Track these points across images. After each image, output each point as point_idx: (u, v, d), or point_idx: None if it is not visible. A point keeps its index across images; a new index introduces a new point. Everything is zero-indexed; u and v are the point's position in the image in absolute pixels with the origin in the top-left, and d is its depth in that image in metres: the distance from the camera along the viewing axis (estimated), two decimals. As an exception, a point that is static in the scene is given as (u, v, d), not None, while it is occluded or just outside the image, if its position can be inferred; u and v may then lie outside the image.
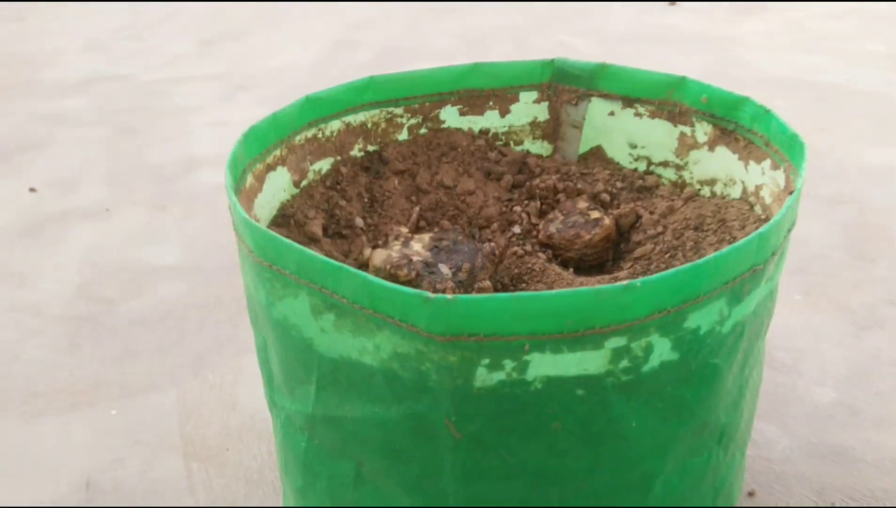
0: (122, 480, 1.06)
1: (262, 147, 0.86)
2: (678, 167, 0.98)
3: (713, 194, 0.94)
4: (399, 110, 1.02)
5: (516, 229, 0.96)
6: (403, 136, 1.03)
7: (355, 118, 0.99)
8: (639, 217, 0.95)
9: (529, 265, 0.88)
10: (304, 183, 0.95)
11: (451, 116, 1.04)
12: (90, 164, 2.03)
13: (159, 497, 1.03)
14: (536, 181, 1.00)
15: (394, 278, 0.80)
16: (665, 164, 0.99)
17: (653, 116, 0.98)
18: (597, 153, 1.05)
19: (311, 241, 0.89)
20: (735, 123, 0.89)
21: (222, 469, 1.07)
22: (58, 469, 1.08)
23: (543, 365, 0.60)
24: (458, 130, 1.05)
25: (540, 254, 0.91)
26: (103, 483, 1.06)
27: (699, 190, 0.96)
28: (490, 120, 1.06)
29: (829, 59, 2.60)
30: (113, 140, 2.18)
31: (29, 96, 2.52)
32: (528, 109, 1.06)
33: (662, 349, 0.62)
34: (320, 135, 0.96)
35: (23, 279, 1.53)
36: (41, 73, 2.74)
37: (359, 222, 0.94)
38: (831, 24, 2.99)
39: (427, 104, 1.03)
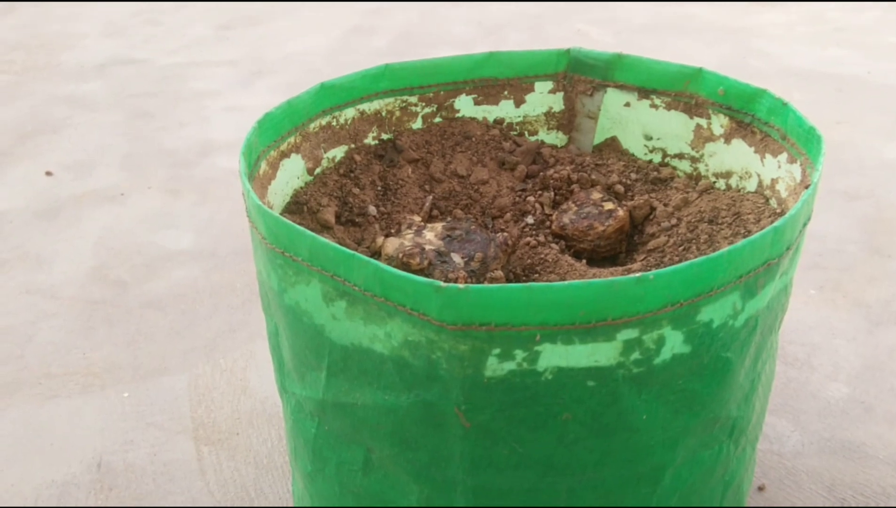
0: (134, 462, 1.07)
1: (276, 134, 0.86)
2: (693, 159, 0.97)
3: (728, 187, 0.93)
4: (414, 99, 1.02)
5: (529, 220, 0.96)
6: (418, 124, 1.03)
7: (370, 106, 0.99)
8: (653, 209, 0.94)
9: (542, 256, 0.88)
10: (317, 170, 0.95)
11: (465, 106, 1.04)
12: (106, 148, 2.04)
13: (170, 480, 1.04)
14: (550, 172, 1.00)
15: (406, 266, 0.80)
16: (680, 156, 0.99)
17: (669, 107, 0.98)
18: (612, 144, 1.04)
19: (323, 228, 0.89)
20: (752, 115, 0.89)
21: (232, 452, 1.08)
22: (70, 449, 1.09)
23: (554, 356, 0.60)
24: (473, 119, 1.05)
25: (553, 245, 0.91)
26: (115, 464, 1.07)
27: (714, 183, 0.95)
28: (505, 110, 1.05)
29: (850, 52, 2.58)
30: (129, 124, 2.18)
31: (47, 79, 2.53)
32: (543, 99, 1.05)
33: (674, 342, 0.62)
34: (335, 122, 0.96)
35: (38, 262, 1.54)
36: (59, 56, 2.75)
37: (372, 210, 0.94)
38: (852, 16, 2.96)
39: (442, 93, 1.03)
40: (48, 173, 1.90)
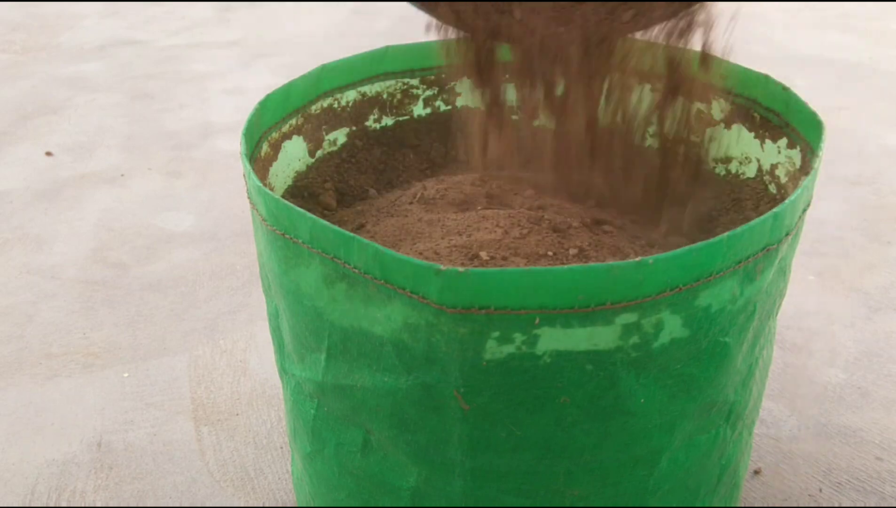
0: (134, 441, 1.08)
1: (277, 116, 0.86)
2: (694, 145, 0.97)
3: (728, 172, 0.93)
4: (415, 81, 1.01)
5: (530, 203, 0.96)
6: (419, 107, 1.03)
7: (371, 88, 0.99)
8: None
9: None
10: (319, 153, 0.95)
11: (466, 89, 1.04)
12: (106, 129, 2.04)
13: (169, 459, 1.05)
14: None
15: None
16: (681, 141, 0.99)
17: (670, 92, 0.97)
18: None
19: (324, 210, 0.89)
20: (753, 100, 0.89)
21: (232, 433, 1.09)
22: (70, 428, 1.10)
23: (553, 339, 0.60)
24: (476, 108, 1.04)
25: (553, 229, 0.91)
26: (115, 443, 1.07)
27: (714, 168, 0.95)
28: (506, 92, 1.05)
29: (852, 38, 2.57)
30: (129, 105, 2.18)
31: (47, 60, 2.52)
32: (544, 82, 1.05)
33: (673, 327, 0.62)
34: (336, 105, 0.96)
35: (39, 243, 1.54)
36: (60, 36, 2.74)
37: (372, 193, 0.95)
38: (856, 2, 2.94)
39: (443, 76, 1.02)
40: (48, 154, 1.90)
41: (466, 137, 0.94)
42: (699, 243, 0.58)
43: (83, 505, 0.99)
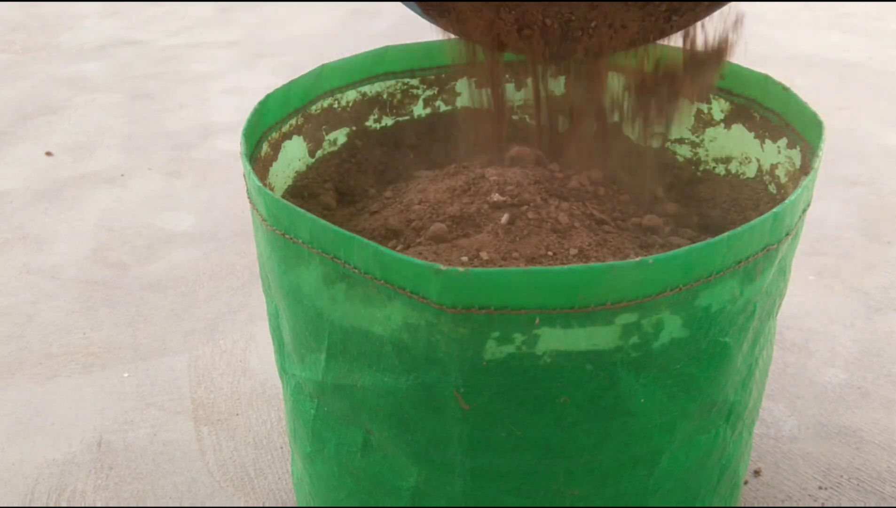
0: (133, 441, 1.08)
1: (277, 116, 0.86)
2: (694, 144, 0.97)
3: (728, 172, 0.94)
4: (415, 81, 1.01)
5: (530, 203, 0.96)
6: (419, 107, 1.03)
7: (371, 88, 0.99)
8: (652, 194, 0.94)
9: (542, 240, 0.88)
10: (319, 153, 0.95)
11: (466, 88, 1.04)
12: (106, 129, 2.04)
13: (169, 459, 1.05)
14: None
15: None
16: (681, 141, 0.99)
17: (670, 92, 0.97)
18: (613, 129, 1.04)
19: (324, 210, 0.89)
20: (753, 100, 0.89)
21: (232, 433, 1.09)
22: (70, 429, 1.10)
23: (553, 339, 0.60)
24: (477, 109, 1.04)
25: (553, 229, 0.90)
26: (115, 443, 1.07)
27: (714, 168, 0.95)
28: (506, 93, 1.05)
29: (852, 38, 2.57)
30: (129, 105, 2.18)
31: (47, 60, 2.52)
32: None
33: (673, 327, 0.62)
34: (336, 105, 0.96)
35: (38, 243, 1.54)
36: (60, 36, 2.74)
37: (373, 193, 0.95)
38: (856, 2, 2.94)
39: (443, 76, 1.02)
40: (48, 154, 1.90)
41: (465, 137, 0.96)
42: (699, 243, 0.58)
43: (83, 505, 0.99)
